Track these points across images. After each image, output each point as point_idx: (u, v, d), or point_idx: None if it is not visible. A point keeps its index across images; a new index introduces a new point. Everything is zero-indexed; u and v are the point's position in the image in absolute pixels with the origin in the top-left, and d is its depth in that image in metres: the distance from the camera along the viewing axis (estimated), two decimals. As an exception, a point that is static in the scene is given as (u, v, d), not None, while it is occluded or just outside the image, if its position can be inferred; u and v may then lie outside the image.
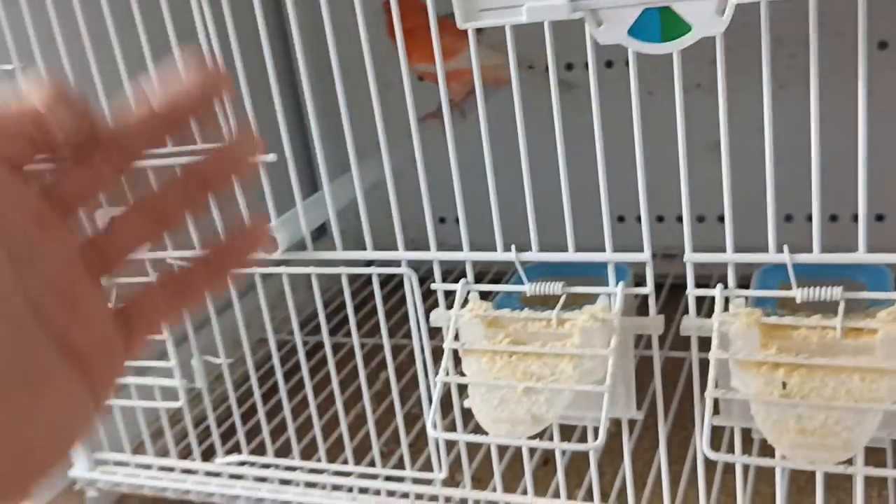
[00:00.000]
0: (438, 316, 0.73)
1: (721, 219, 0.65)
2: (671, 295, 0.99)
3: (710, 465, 0.69)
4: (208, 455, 0.90)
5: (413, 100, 0.67)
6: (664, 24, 0.57)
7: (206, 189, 0.32)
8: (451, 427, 0.77)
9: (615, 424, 0.74)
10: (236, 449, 0.89)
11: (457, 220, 0.70)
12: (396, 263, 0.74)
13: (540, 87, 0.68)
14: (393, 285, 1.00)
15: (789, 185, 0.64)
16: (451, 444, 0.80)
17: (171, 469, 0.91)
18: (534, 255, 0.68)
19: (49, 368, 0.27)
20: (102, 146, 0.30)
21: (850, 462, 0.62)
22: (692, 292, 0.66)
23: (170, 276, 0.33)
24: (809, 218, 0.62)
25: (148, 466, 0.92)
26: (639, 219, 0.68)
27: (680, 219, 0.62)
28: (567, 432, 0.75)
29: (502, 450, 0.78)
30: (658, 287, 0.67)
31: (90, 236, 0.31)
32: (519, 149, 0.65)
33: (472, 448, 0.79)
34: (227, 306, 0.83)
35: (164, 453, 0.92)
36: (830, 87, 0.59)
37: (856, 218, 0.60)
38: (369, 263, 0.76)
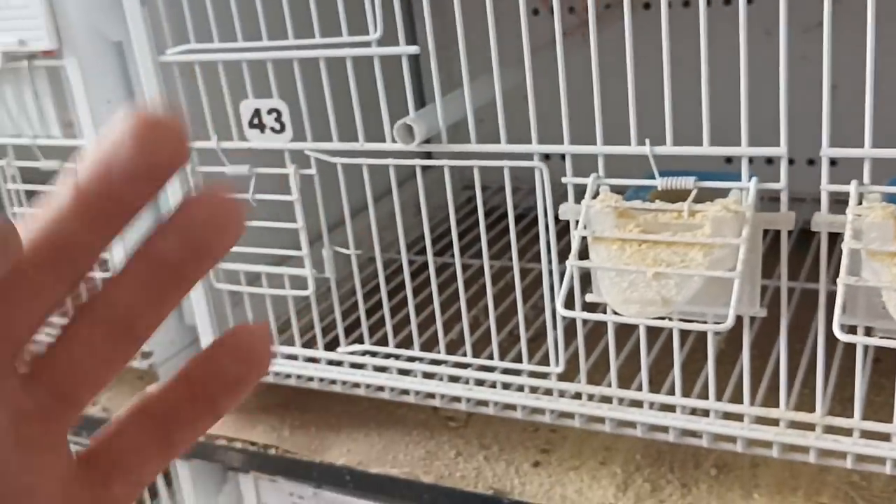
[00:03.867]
0: (567, 209, 0.75)
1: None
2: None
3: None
4: (332, 347, 0.94)
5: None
6: None
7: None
8: (572, 323, 0.79)
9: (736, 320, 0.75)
10: (359, 341, 0.93)
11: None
12: (529, 157, 0.77)
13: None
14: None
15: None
16: (568, 341, 0.82)
17: (294, 357, 0.96)
18: (668, 149, 0.70)
19: None
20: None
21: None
22: (825, 187, 0.67)
23: (146, 408, 0.25)
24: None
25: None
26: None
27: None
28: (685, 335, 0.78)
29: (619, 347, 0.80)
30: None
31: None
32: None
33: (588, 347, 0.82)
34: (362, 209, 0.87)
35: (289, 342, 0.96)
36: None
37: None
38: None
